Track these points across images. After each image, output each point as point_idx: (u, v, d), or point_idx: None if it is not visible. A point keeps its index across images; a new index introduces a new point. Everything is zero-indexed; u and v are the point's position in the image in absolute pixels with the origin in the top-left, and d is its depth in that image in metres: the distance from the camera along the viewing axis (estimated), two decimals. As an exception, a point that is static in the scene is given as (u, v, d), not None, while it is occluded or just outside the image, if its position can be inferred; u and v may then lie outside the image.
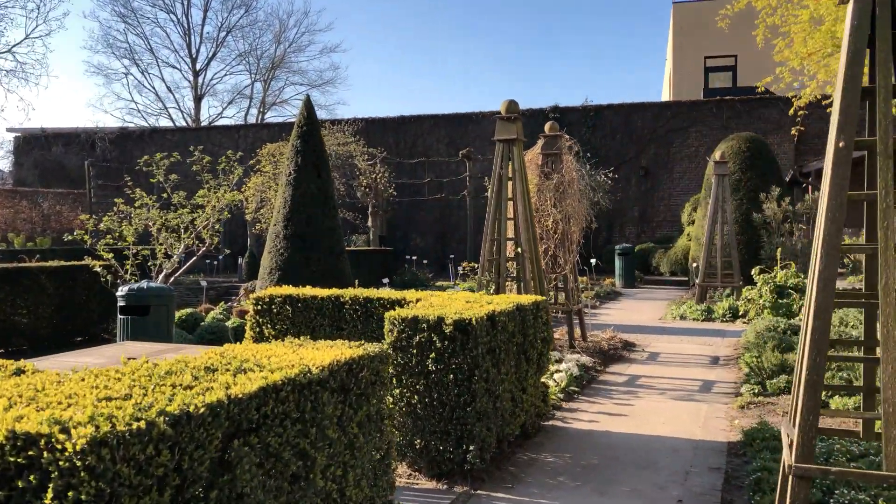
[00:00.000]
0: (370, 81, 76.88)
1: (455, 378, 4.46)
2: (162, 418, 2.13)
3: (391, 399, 4.63)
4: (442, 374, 4.49)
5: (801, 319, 11.55)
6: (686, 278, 19.91)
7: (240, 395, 2.42)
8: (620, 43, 74.68)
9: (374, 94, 77.25)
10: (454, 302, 5.24)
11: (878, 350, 3.23)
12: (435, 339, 4.50)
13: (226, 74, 50.93)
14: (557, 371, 7.16)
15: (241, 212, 21.71)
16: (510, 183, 8.04)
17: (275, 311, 6.14)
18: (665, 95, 36.55)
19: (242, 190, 21.39)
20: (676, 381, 7.72)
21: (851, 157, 3.14)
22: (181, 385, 2.50)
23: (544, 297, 5.95)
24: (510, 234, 8.28)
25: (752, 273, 12.86)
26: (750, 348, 8.60)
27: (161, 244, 10.84)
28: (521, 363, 5.27)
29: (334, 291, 6.08)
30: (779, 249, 12.77)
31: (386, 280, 14.28)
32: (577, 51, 77.74)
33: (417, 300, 5.58)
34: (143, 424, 2.04)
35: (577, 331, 10.00)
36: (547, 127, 9.50)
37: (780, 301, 11.93)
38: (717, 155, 13.61)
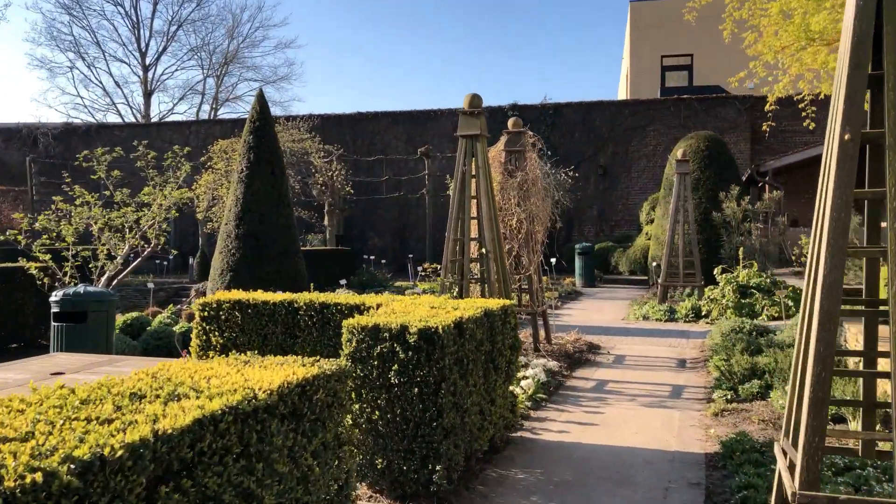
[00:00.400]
0: (327, 78, 76.05)
1: (420, 392, 4.10)
2: (66, 466, 1.72)
3: (350, 417, 4.24)
4: (406, 388, 4.13)
5: (765, 319, 11.50)
6: (646, 277, 19.88)
7: (169, 431, 2.01)
8: (579, 39, 75.10)
9: (330, 90, 76.41)
10: (417, 308, 4.87)
11: (884, 362, 2.98)
12: (398, 349, 4.13)
13: (177, 69, 49.81)
14: (524, 377, 6.85)
15: (193, 210, 21.00)
16: (474, 180, 7.70)
17: (223, 317, 5.69)
18: (622, 94, 36.71)
19: (193, 188, 20.69)
20: (645, 385, 7.48)
21: (858, 150, 2.86)
22: (98, 419, 2.09)
23: (512, 301, 5.62)
24: (474, 233, 7.94)
25: (715, 273, 12.77)
26: (718, 351, 8.42)
27: (104, 244, 10.22)
28: (489, 373, 4.93)
29: (287, 296, 5.65)
30: (741, 249, 12.70)
31: (343, 281, 13.83)
32: (535, 48, 77.97)
33: (378, 306, 5.20)
34: (39, 477, 1.64)
35: (542, 332, 9.72)
36: (510, 123, 9.19)
37: (744, 301, 11.85)
38: (678, 153, 13.50)
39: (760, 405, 6.32)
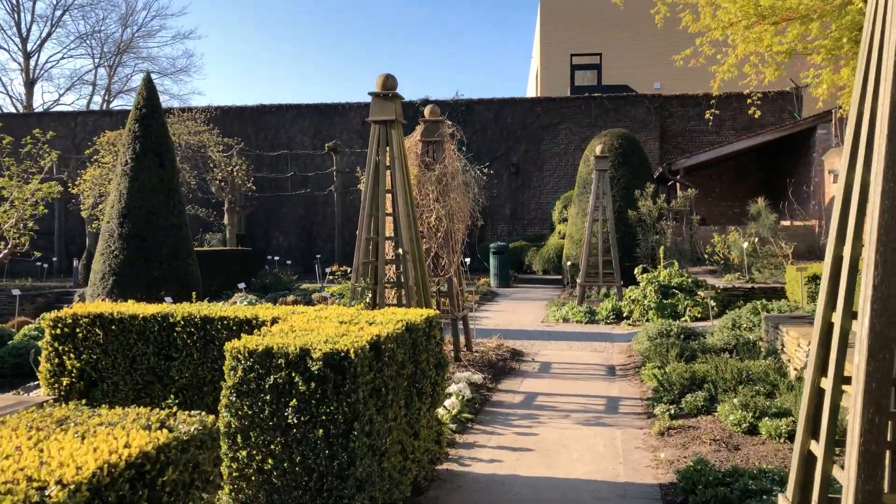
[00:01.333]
0: (229, 71, 73.20)
1: (326, 434, 3.20)
2: None
3: (235, 465, 3.29)
4: (308, 429, 3.22)
5: (688, 320, 11.16)
6: (560, 277, 19.51)
7: None
8: (491, 36, 75.15)
9: (233, 84, 73.59)
10: (323, 323, 3.96)
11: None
12: (297, 379, 3.22)
13: (63, 58, 45.97)
14: (447, 395, 6.03)
15: (78, 208, 19.18)
16: (388, 172, 6.82)
17: (80, 335, 4.59)
18: (531, 92, 36.59)
19: (77, 183, 18.88)
20: (577, 398, 6.80)
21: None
22: None
23: (436, 311, 4.78)
24: (389, 231, 7.06)
25: (635, 272, 12.37)
26: (649, 357, 7.87)
27: (-47, 246, 8.76)
28: (412, 400, 4.07)
29: (162, 308, 4.62)
30: (661, 248, 12.34)
31: (242, 285, 12.64)
32: (446, 42, 77.58)
33: (273, 320, 4.25)
34: None
35: (462, 339, 8.95)
36: (427, 111, 8.36)
37: (666, 301, 11.46)
38: (596, 149, 13.03)
39: (708, 421, 5.73)
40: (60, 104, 43.71)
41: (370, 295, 6.57)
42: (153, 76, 45.93)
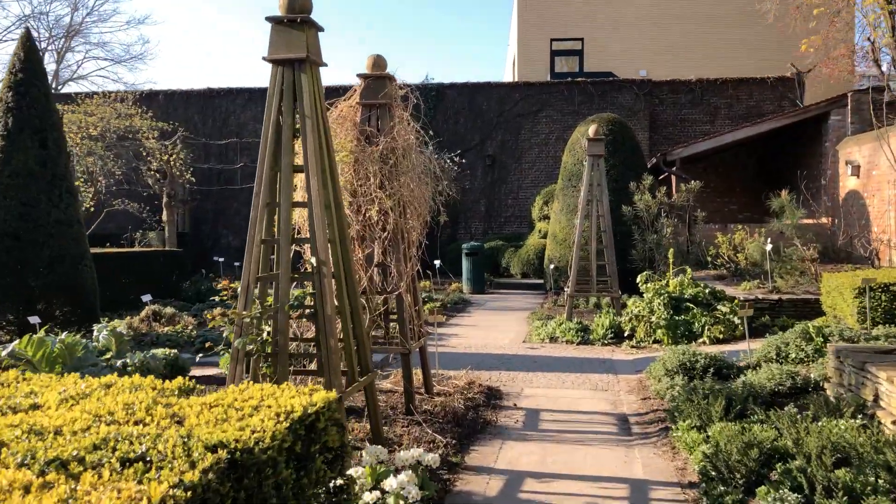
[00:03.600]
0: (188, 59, 69.90)
1: None
2: None
3: None
4: None
5: (706, 342, 8.85)
6: (541, 280, 17.27)
7: None
8: (464, 21, 72.63)
9: (193, 73, 70.28)
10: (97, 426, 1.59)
11: None
12: None
13: (3, 41, 42.76)
14: (379, 500, 3.69)
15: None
16: (298, 141, 4.45)
17: None
18: (508, 78, 34.32)
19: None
20: (584, 487, 4.50)
21: None
22: None
23: (337, 395, 2.48)
24: (304, 231, 4.69)
25: (638, 280, 10.12)
26: (680, 408, 5.57)
27: None
28: None
29: None
30: (671, 250, 10.06)
31: (148, 297, 10.14)
32: (415, 26, 74.97)
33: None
34: None
35: (419, 375, 6.62)
36: (368, 63, 5.99)
37: (678, 318, 9.22)
38: (590, 130, 10.75)
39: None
40: None
41: (263, 335, 4.20)
42: (106, 63, 42.77)
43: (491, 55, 73.07)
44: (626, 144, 15.47)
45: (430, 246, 20.60)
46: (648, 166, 18.23)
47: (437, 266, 17.81)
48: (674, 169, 17.28)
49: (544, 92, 22.34)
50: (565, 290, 11.84)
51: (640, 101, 22.01)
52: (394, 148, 5.83)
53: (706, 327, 8.99)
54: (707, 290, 9.42)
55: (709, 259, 14.49)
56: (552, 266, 15.20)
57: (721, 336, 8.89)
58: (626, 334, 9.66)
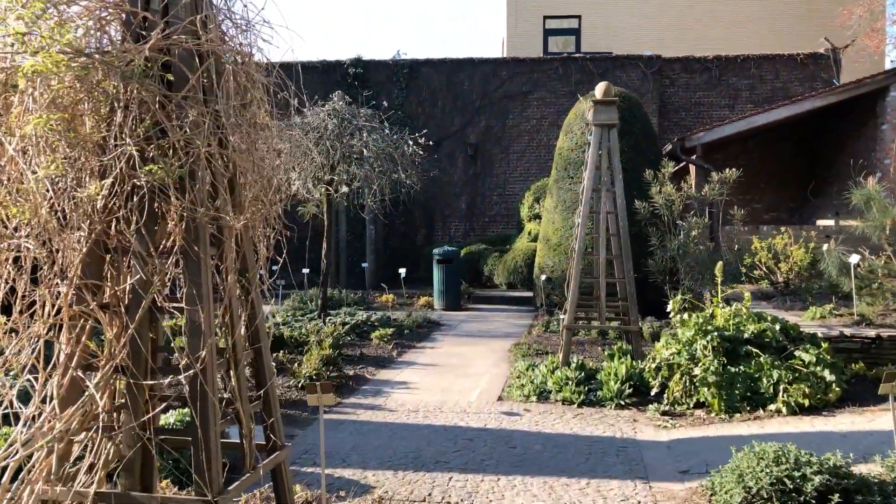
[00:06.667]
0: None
1: None
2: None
3: None
4: None
5: (783, 412, 5.32)
6: (530, 293, 14.06)
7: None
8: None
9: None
10: None
11: None
12: None
13: None
14: None
15: None
16: None
17: None
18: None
19: None
20: None
21: None
22: None
23: None
24: None
25: (671, 307, 6.90)
26: None
27: None
28: None
29: None
30: (718, 265, 6.74)
31: None
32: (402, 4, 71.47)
33: None
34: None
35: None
36: None
37: (733, 369, 5.99)
38: (598, 90, 7.47)
39: None
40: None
41: None
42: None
43: (477, 38, 69.59)
44: (637, 125, 12.23)
45: (400, 250, 17.19)
46: (664, 154, 15.04)
47: (402, 275, 14.59)
48: (694, 157, 14.09)
49: (536, 70, 19.09)
50: (560, 315, 8.61)
51: (647, 81, 18.78)
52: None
53: (782, 386, 5.76)
54: (778, 328, 6.18)
55: (742, 270, 11.32)
56: (544, 277, 12.00)
57: (807, 402, 5.67)
58: (653, 390, 6.41)
